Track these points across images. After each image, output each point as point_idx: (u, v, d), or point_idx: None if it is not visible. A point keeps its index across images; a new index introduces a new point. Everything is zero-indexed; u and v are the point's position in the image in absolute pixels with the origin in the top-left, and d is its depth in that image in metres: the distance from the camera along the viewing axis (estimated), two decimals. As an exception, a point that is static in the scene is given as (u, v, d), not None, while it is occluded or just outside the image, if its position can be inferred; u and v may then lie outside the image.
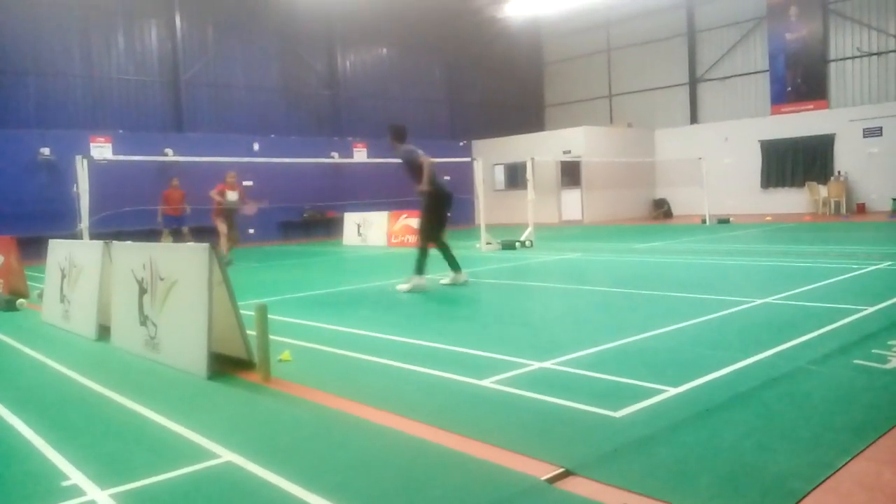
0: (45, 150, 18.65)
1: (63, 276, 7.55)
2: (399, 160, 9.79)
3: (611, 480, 2.87)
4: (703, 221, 21.03)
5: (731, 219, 21.18)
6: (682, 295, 7.68)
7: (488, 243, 15.09)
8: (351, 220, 20.09)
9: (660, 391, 4.04)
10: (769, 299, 7.02)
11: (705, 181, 21.54)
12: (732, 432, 3.41)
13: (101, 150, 19.19)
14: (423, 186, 9.16)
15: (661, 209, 26.70)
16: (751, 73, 26.13)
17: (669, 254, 12.39)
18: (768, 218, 21.52)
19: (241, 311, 5.03)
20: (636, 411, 3.72)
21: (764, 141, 25.06)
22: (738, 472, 2.91)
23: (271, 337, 4.89)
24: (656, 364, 4.70)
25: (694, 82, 27.64)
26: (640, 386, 4.16)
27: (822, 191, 22.96)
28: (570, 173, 26.18)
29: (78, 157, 10.64)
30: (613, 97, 30.26)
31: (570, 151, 25.53)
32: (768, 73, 25.41)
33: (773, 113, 25.20)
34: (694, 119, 27.67)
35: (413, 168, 9.40)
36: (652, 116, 28.83)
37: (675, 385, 4.13)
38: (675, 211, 26.76)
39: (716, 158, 24.71)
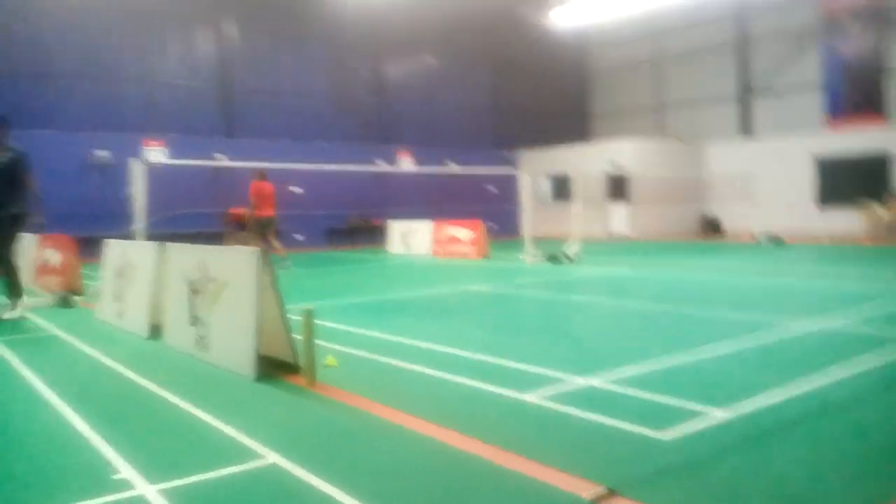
0: (101, 153, 19.26)
1: (118, 276, 7.77)
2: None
3: (655, 502, 2.83)
4: (755, 240, 20.56)
5: (784, 238, 20.68)
6: (733, 315, 7.52)
7: (533, 256, 15.03)
8: (396, 228, 20.23)
9: (707, 413, 3.96)
10: (825, 323, 6.83)
11: (757, 198, 21.04)
12: (783, 459, 3.32)
13: (155, 153, 19.72)
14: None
15: (711, 226, 26.18)
16: (805, 87, 25.52)
17: (719, 272, 12.16)
18: (823, 239, 20.94)
19: (288, 316, 5.11)
20: (682, 433, 3.65)
21: (818, 157, 24.41)
22: (787, 501, 2.83)
23: (316, 342, 4.95)
24: (704, 385, 4.61)
25: (746, 95, 27.11)
26: (687, 407, 4.09)
27: (881, 211, 22.23)
28: (618, 186, 25.89)
29: (134, 161, 10.97)
30: (662, 108, 29.87)
31: (617, 164, 25.27)
32: (823, 87, 24.77)
33: (828, 128, 24.53)
34: (746, 133, 27.12)
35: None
36: (701, 129, 28.34)
37: (724, 407, 4.04)
38: (727, 228, 26.20)
39: (768, 174, 24.13)
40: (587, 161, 24.32)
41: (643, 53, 30.13)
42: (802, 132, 25.32)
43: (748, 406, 4.09)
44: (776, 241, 19.99)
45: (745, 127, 27.14)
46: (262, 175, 15.24)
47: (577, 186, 15.81)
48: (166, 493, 2.98)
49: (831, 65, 24.42)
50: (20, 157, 8.00)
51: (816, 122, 25.17)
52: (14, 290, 8.18)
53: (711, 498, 2.87)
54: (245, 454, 3.47)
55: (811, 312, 7.49)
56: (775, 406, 4.11)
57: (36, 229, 10.25)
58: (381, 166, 22.02)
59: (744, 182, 22.87)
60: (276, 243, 14.90)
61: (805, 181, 24.62)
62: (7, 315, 7.98)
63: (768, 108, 26.59)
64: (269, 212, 15.06)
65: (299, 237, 22.62)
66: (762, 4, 26.01)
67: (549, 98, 31.27)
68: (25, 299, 8.32)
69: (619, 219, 26.03)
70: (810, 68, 25.32)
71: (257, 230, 14.87)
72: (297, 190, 21.53)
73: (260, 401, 4.51)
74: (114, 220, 15.34)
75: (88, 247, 12.33)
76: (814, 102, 25.27)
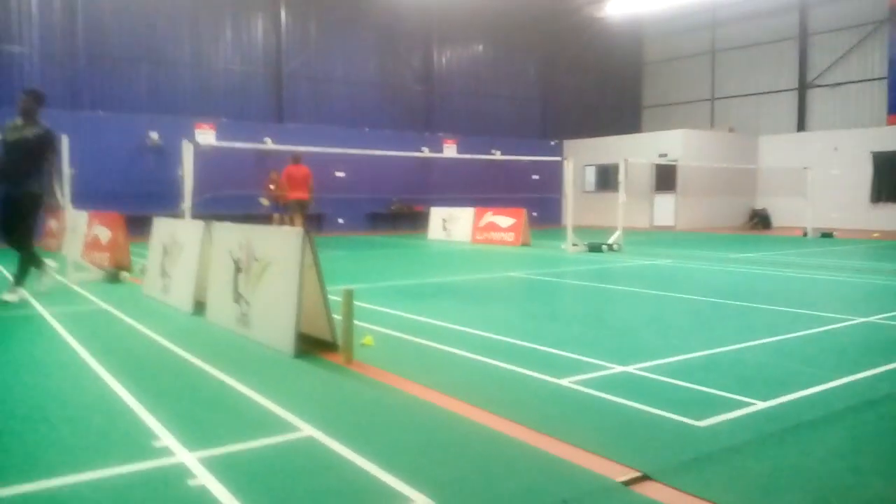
0: (154, 135, 19.73)
1: (165, 253, 7.96)
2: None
3: (690, 489, 2.79)
4: (805, 234, 20.03)
5: (834, 233, 20.08)
6: (777, 308, 7.34)
7: (574, 245, 14.90)
8: (437, 214, 20.26)
9: (747, 404, 3.88)
10: (872, 319, 6.62)
11: (810, 192, 20.48)
12: (823, 452, 3.24)
13: (205, 136, 20.11)
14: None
15: (760, 219, 25.57)
16: (866, 80, 24.67)
17: (766, 265, 11.88)
18: (876, 234, 20.27)
19: (328, 296, 5.17)
20: (721, 422, 3.59)
21: (877, 153, 23.57)
22: (827, 494, 2.77)
23: (355, 322, 5.00)
24: (745, 376, 4.53)
25: (803, 88, 26.34)
26: (727, 397, 4.02)
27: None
28: (665, 177, 25.43)
29: (184, 142, 11.19)
30: (716, 101, 29.23)
31: (666, 155, 24.83)
32: (886, 81, 23.90)
33: (889, 123, 23.67)
34: (801, 126, 26.37)
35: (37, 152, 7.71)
36: (756, 122, 27.67)
37: (764, 399, 3.96)
38: (775, 222, 25.57)
39: (822, 169, 23.43)
40: (635, 151, 23.92)
41: (699, 45, 29.48)
42: (861, 127, 24.51)
43: (789, 398, 4.00)
44: (826, 236, 19.44)
45: (801, 120, 26.40)
46: (296, 159, 15.72)
47: (622, 175, 15.56)
48: (205, 461, 3.06)
49: (896, 58, 23.52)
50: (48, 134, 7.71)
51: (875, 117, 24.33)
52: (22, 274, 7.73)
53: (748, 487, 2.81)
54: (282, 426, 3.53)
55: (857, 308, 7.27)
56: (817, 399, 4.01)
57: (52, 210, 10.30)
58: (425, 153, 22.04)
59: (796, 176, 22.25)
60: (302, 224, 15.24)
61: (860, 176, 23.85)
62: (7, 297, 7.51)
63: (826, 101, 25.80)
64: (300, 195, 15.51)
65: (341, 221, 22.84)
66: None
67: (600, 88, 30.85)
68: (23, 291, 7.76)
69: (665, 209, 25.61)
70: (872, 62, 24.46)
71: (292, 212, 15.48)
72: (339, 174, 21.75)
73: (298, 376, 4.58)
74: (163, 200, 15.73)
75: (138, 225, 12.66)
76: (874, 97, 24.43)
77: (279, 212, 16.64)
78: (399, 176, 23.96)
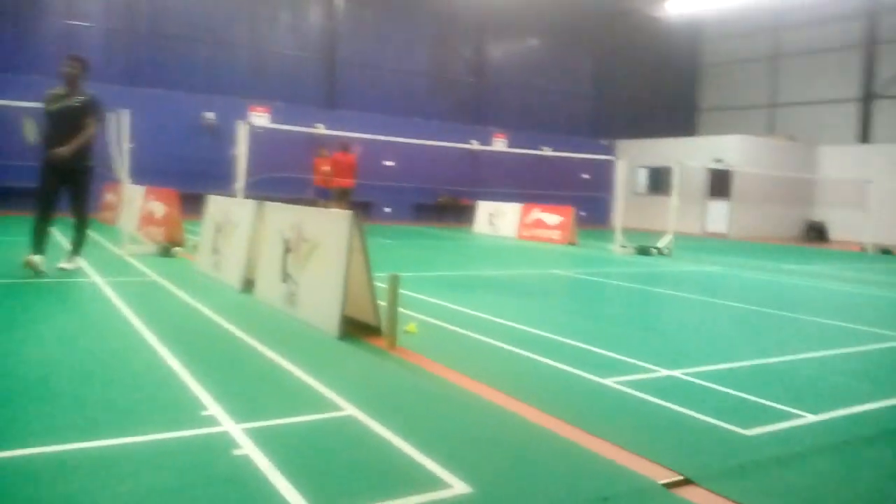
0: (209, 115, 20.12)
1: (217, 230, 8.12)
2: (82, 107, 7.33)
3: (733, 496, 2.73)
4: (863, 249, 19.39)
5: (894, 250, 19.40)
6: (830, 322, 7.14)
7: (622, 246, 14.71)
8: (484, 208, 20.22)
9: (796, 416, 3.78)
10: (932, 338, 6.39)
11: (870, 206, 19.80)
12: (874, 470, 3.14)
13: (260, 118, 20.43)
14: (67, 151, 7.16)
15: (816, 231, 24.84)
16: (937, 93, 23.74)
17: (821, 278, 11.54)
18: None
19: (374, 282, 5.21)
20: (768, 432, 3.51)
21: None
22: (878, 511, 2.68)
23: (399, 309, 5.03)
24: (794, 388, 4.41)
25: (868, 98, 25.46)
26: (775, 408, 3.92)
27: None
28: (720, 183, 24.88)
29: (239, 123, 11.40)
30: (775, 107, 28.45)
31: (721, 160, 24.29)
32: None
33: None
34: (864, 138, 25.51)
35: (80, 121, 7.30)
36: (816, 131, 26.85)
37: (814, 412, 3.85)
38: (833, 235, 24.80)
39: (885, 182, 22.61)
40: (689, 154, 23.45)
41: (760, 48, 28.73)
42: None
43: (840, 413, 3.88)
44: (886, 253, 18.79)
45: (864, 131, 25.54)
46: (344, 147, 15.96)
47: (676, 179, 15.29)
48: (249, 432, 3.12)
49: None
50: (94, 102, 7.36)
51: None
52: (78, 246, 7.74)
53: (792, 498, 2.74)
54: (325, 404, 3.58)
55: (920, 327, 7.02)
56: (869, 416, 3.89)
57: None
58: (475, 146, 22.00)
59: (856, 188, 21.55)
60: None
61: (924, 192, 22.96)
62: (64, 265, 7.58)
63: (891, 113, 24.90)
64: (345, 182, 15.77)
65: (387, 209, 22.98)
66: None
67: (655, 89, 30.33)
68: (79, 259, 7.82)
69: (718, 216, 25.08)
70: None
71: (336, 198, 15.78)
72: (388, 163, 21.87)
73: (342, 357, 4.63)
74: (217, 180, 16.02)
75: (192, 203, 12.94)
76: (943, 109, 23.50)
77: (324, 198, 16.87)
78: (447, 168, 23.97)
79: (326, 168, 17.01)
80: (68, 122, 7.18)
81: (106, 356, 4.46)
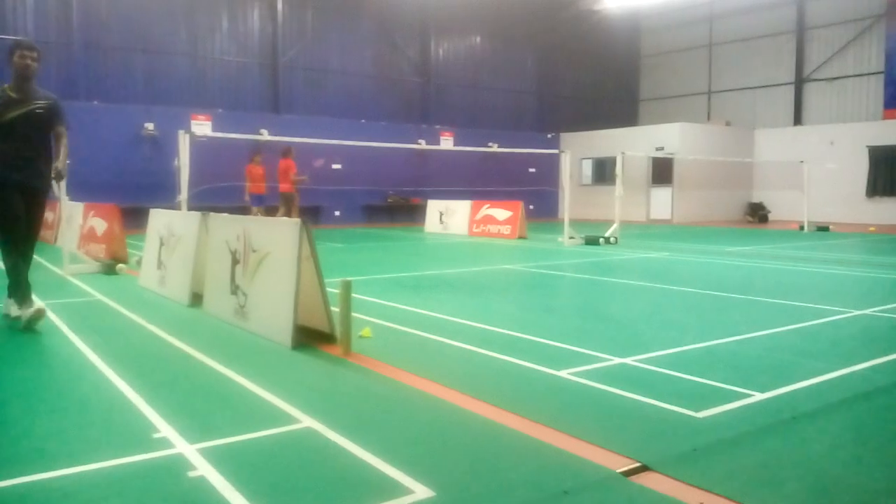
0: (149, 125, 19.64)
1: (161, 244, 7.94)
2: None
3: (689, 479, 2.80)
4: (801, 228, 20.08)
5: (830, 227, 20.13)
6: (774, 301, 7.37)
7: (571, 238, 14.91)
8: (434, 207, 20.24)
9: (745, 395, 3.89)
10: (867, 311, 6.65)
11: (806, 186, 20.51)
12: (821, 443, 3.26)
13: (201, 127, 20.02)
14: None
15: (757, 213, 25.62)
16: (863, 75, 24.70)
17: (763, 259, 11.90)
18: (872, 228, 20.32)
19: (326, 288, 5.16)
20: (719, 413, 3.60)
21: (873, 147, 23.63)
22: (827, 484, 2.78)
23: (353, 314, 4.99)
24: (742, 368, 4.54)
25: (800, 82, 26.36)
26: (725, 388, 4.03)
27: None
28: (662, 171, 25.47)
29: (180, 132, 11.13)
30: (712, 94, 29.23)
31: (662, 148, 24.84)
32: (882, 75, 23.93)
33: (885, 117, 23.72)
34: (798, 121, 26.41)
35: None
36: (752, 116, 27.69)
37: (762, 391, 3.97)
38: (772, 216, 25.64)
39: (819, 163, 23.47)
40: (632, 144, 23.93)
41: (697, 38, 29.46)
42: (858, 121, 24.55)
43: (787, 390, 4.01)
44: (822, 230, 19.49)
45: (798, 114, 26.42)
46: (284, 153, 15.89)
47: (619, 168, 15.56)
48: (204, 452, 3.05)
49: (893, 52, 23.52)
50: (57, 103, 6.07)
51: (871, 111, 24.37)
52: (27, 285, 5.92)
53: (746, 478, 2.82)
54: (281, 418, 3.53)
55: (854, 300, 7.30)
56: (815, 391, 4.03)
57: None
58: (422, 145, 22.00)
59: (793, 170, 22.29)
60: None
61: (856, 170, 23.92)
62: (21, 311, 5.79)
63: (823, 95, 25.84)
64: (287, 187, 15.73)
65: (337, 213, 22.81)
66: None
67: (597, 81, 30.82)
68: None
69: (662, 203, 25.65)
70: (869, 56, 24.48)
71: (282, 204, 15.87)
72: (335, 166, 21.67)
73: (296, 368, 4.57)
74: (159, 192, 15.67)
75: (135, 217, 12.61)
76: (870, 91, 24.47)
77: (258, 204, 16.57)
78: (396, 168, 23.90)
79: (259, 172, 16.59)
80: (34, 132, 5.83)
81: (51, 382, 4.32)
